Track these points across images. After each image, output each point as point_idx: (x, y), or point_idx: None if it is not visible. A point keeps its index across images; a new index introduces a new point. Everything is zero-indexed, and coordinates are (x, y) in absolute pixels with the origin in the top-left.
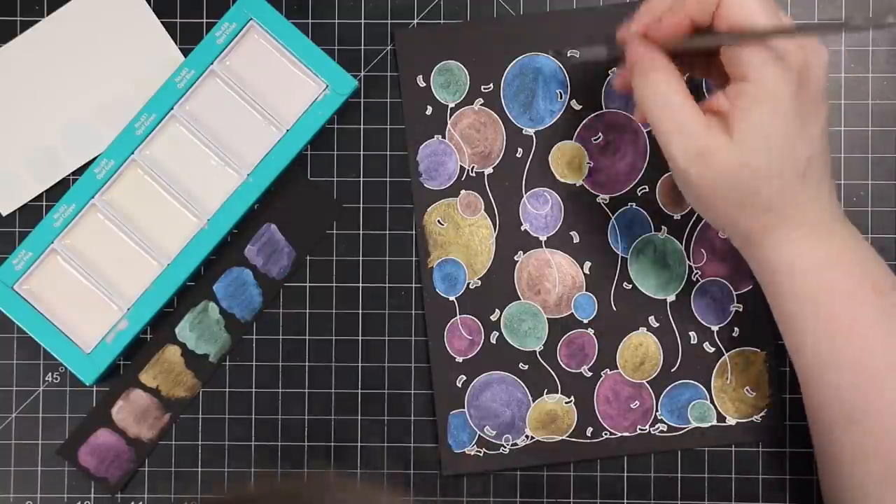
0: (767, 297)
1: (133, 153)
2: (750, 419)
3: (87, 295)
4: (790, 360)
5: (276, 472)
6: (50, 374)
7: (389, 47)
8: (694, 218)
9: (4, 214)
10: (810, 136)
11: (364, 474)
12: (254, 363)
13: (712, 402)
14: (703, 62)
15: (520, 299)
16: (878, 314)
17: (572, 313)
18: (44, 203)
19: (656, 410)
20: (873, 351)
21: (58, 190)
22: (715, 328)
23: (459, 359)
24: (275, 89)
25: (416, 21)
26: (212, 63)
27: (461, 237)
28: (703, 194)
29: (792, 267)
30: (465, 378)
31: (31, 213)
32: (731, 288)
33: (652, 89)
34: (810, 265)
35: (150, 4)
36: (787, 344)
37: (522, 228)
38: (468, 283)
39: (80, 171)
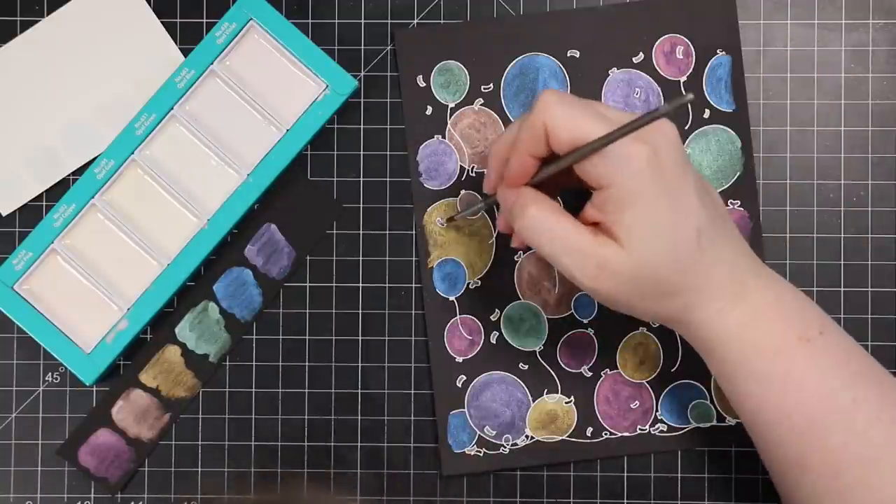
0: (709, 368)
1: (133, 153)
2: None
3: (87, 295)
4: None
5: (277, 474)
6: (50, 374)
7: (389, 47)
8: None
9: (4, 214)
10: (688, 210)
11: (364, 474)
12: (254, 363)
13: (712, 402)
14: (567, 177)
15: (520, 299)
16: (808, 362)
17: (572, 313)
18: (44, 203)
19: (656, 410)
20: (810, 399)
21: (58, 190)
22: None
23: (459, 359)
24: (275, 89)
25: (416, 21)
26: (212, 63)
27: (461, 237)
28: (616, 299)
29: (716, 338)
30: (465, 378)
31: (31, 213)
32: None
33: (531, 224)
34: (732, 330)
35: (150, 4)
36: (732, 404)
37: None
38: (468, 283)
39: (80, 171)
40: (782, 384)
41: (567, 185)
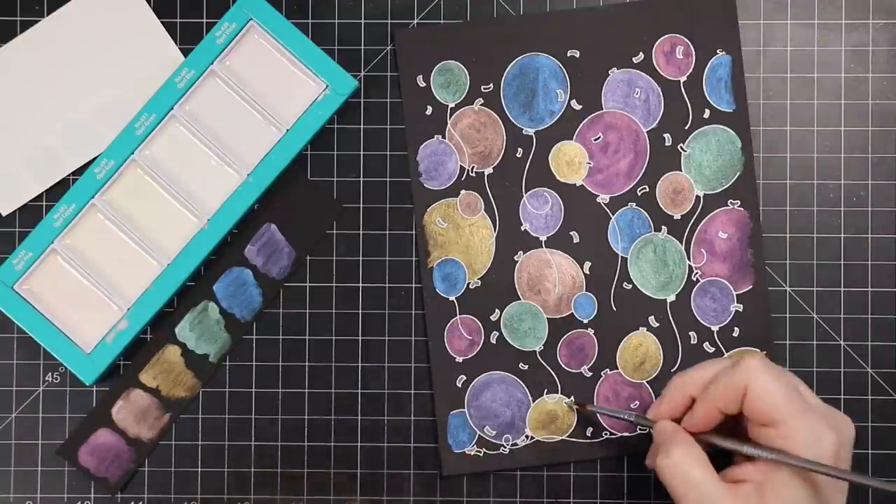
0: None
1: (133, 153)
2: None
3: (87, 295)
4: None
5: (276, 473)
6: (50, 374)
7: (389, 47)
8: (694, 218)
9: (4, 214)
10: None
11: (364, 474)
12: (254, 363)
13: None
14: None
15: (520, 299)
16: None
17: (572, 313)
18: (44, 203)
19: None
20: None
21: (58, 190)
22: (715, 328)
23: (459, 359)
24: (275, 89)
25: (416, 21)
26: (212, 63)
27: (461, 237)
28: None
29: None
30: (465, 378)
31: (31, 213)
32: (731, 288)
33: (672, 466)
34: None
35: (150, 4)
36: None
37: (522, 228)
38: (468, 283)
39: (80, 171)
40: None
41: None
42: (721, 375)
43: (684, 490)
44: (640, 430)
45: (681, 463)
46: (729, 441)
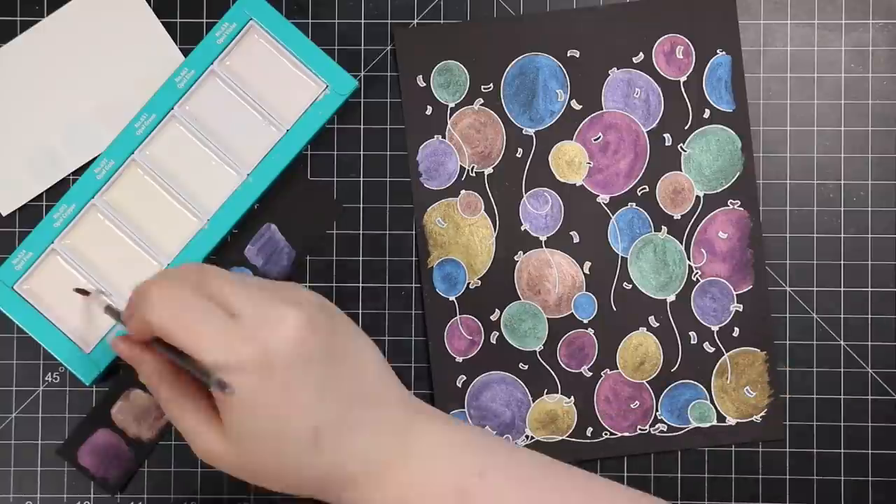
0: None
1: (133, 153)
2: (750, 419)
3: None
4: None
5: None
6: (50, 374)
7: (389, 47)
8: (694, 218)
9: (4, 214)
10: (300, 410)
11: None
12: None
13: (712, 402)
14: None
15: (520, 299)
16: None
17: (572, 313)
18: (44, 203)
19: (656, 410)
20: None
21: (58, 190)
22: (715, 328)
23: (459, 359)
24: (275, 89)
25: (416, 21)
26: (212, 63)
27: (461, 237)
28: (241, 476)
29: None
30: (465, 378)
31: (31, 213)
32: (731, 288)
33: (166, 401)
34: None
35: (150, 4)
36: None
37: (522, 228)
38: (468, 283)
39: (80, 171)
40: None
41: None
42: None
43: (178, 422)
44: (640, 429)
45: (171, 400)
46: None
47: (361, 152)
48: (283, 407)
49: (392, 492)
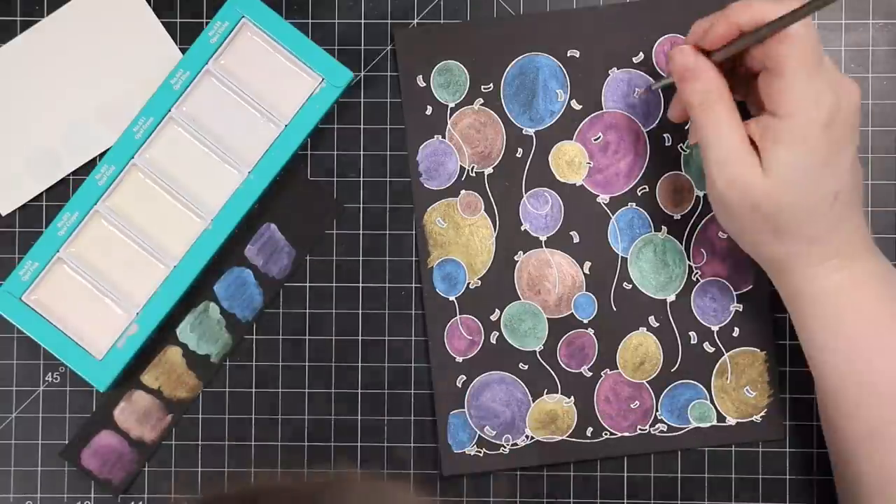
0: (793, 320)
1: (133, 157)
2: (750, 419)
3: (95, 302)
4: (808, 370)
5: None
6: (50, 374)
7: (389, 47)
8: (694, 218)
9: (4, 214)
10: (837, 172)
11: (364, 475)
12: (254, 363)
13: (712, 402)
14: (743, 86)
15: (520, 299)
16: None
17: (572, 313)
18: (44, 203)
19: (656, 410)
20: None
21: (58, 190)
22: (715, 328)
23: (459, 359)
24: (271, 85)
25: (416, 21)
26: (206, 63)
27: (461, 237)
28: (735, 218)
29: (816, 290)
30: (465, 378)
31: (31, 214)
32: (731, 288)
33: (714, 121)
34: (833, 288)
35: (150, 4)
36: (811, 366)
37: (522, 228)
38: (468, 283)
39: (80, 172)
40: (871, 349)
41: (735, 93)
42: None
43: (714, 142)
44: (640, 429)
45: (721, 120)
46: (734, 45)
47: (361, 152)
48: (830, 161)
49: (849, 276)
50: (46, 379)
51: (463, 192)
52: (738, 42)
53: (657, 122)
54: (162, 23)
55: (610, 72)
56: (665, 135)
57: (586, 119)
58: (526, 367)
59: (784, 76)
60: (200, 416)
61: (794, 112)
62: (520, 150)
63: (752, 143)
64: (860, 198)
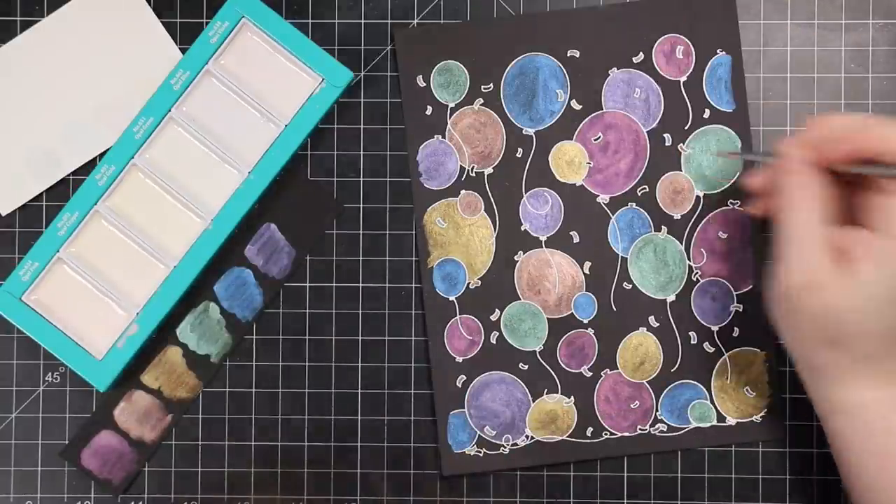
0: (826, 432)
1: (133, 157)
2: (750, 419)
3: (95, 302)
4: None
5: (276, 473)
6: (50, 374)
7: (389, 47)
8: (694, 218)
9: (4, 214)
10: None
11: (364, 474)
12: (254, 363)
13: (712, 402)
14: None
15: (520, 299)
16: None
17: (572, 313)
18: (44, 203)
19: (656, 410)
20: None
21: (58, 190)
22: (715, 328)
23: (459, 359)
24: (271, 85)
25: (416, 21)
26: (206, 63)
27: (461, 237)
28: (796, 321)
29: (857, 407)
30: (465, 378)
31: (31, 213)
32: (731, 288)
33: (798, 207)
34: (876, 407)
35: (150, 4)
36: (843, 477)
37: (522, 228)
38: (468, 283)
39: (80, 172)
40: None
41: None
42: (872, 122)
43: (794, 233)
44: (640, 429)
45: (805, 208)
46: (854, 166)
47: (361, 152)
48: None
49: (891, 395)
50: (46, 379)
51: (463, 192)
52: (864, 168)
53: (657, 122)
54: (162, 23)
55: (610, 72)
56: (665, 135)
57: (586, 119)
58: (526, 367)
59: (892, 198)
60: (200, 416)
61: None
62: (520, 150)
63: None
64: None
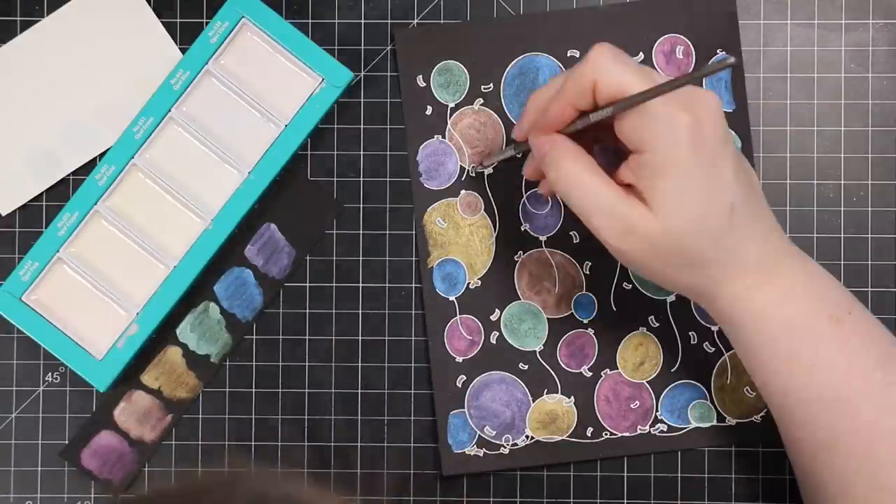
0: (732, 344)
1: (133, 157)
2: (750, 419)
3: (95, 302)
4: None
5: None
6: (50, 374)
7: (389, 47)
8: None
9: (4, 214)
10: (723, 185)
11: (364, 474)
12: (254, 363)
13: (712, 402)
14: (607, 133)
15: (520, 299)
16: (839, 342)
17: (572, 313)
18: (44, 203)
19: (656, 410)
20: (841, 379)
21: (58, 190)
22: (715, 328)
23: (459, 359)
24: (271, 85)
25: (416, 21)
26: (206, 63)
27: (461, 237)
28: (642, 264)
29: (744, 313)
30: (465, 378)
31: (31, 213)
32: None
33: (564, 178)
34: (761, 308)
35: (150, 4)
36: (757, 385)
37: (522, 228)
38: (468, 283)
39: (80, 172)
40: (811, 364)
41: (604, 141)
42: (570, 73)
43: (580, 197)
44: (640, 429)
45: (573, 173)
46: (590, 115)
47: (361, 152)
48: (711, 177)
49: (773, 291)
50: (46, 379)
51: (463, 192)
52: (585, 120)
53: None
54: (162, 23)
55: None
56: None
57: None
58: (526, 367)
59: (635, 112)
60: (200, 416)
61: (655, 143)
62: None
63: (628, 187)
64: (762, 204)
